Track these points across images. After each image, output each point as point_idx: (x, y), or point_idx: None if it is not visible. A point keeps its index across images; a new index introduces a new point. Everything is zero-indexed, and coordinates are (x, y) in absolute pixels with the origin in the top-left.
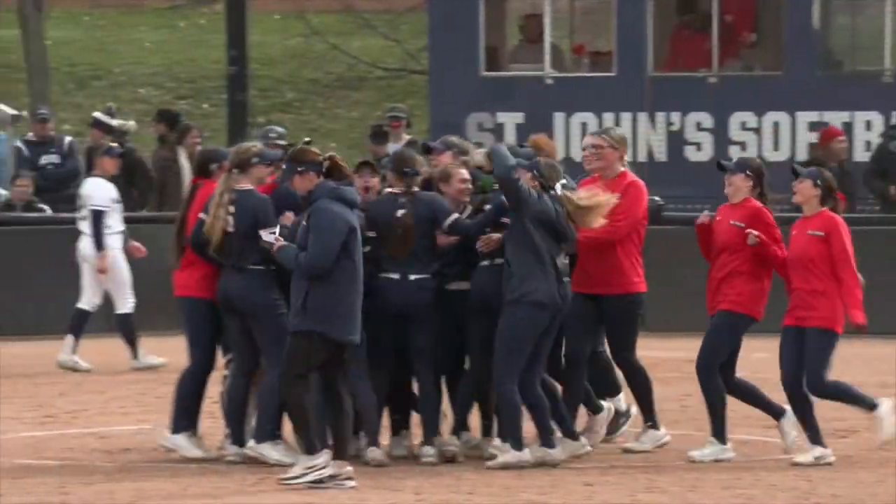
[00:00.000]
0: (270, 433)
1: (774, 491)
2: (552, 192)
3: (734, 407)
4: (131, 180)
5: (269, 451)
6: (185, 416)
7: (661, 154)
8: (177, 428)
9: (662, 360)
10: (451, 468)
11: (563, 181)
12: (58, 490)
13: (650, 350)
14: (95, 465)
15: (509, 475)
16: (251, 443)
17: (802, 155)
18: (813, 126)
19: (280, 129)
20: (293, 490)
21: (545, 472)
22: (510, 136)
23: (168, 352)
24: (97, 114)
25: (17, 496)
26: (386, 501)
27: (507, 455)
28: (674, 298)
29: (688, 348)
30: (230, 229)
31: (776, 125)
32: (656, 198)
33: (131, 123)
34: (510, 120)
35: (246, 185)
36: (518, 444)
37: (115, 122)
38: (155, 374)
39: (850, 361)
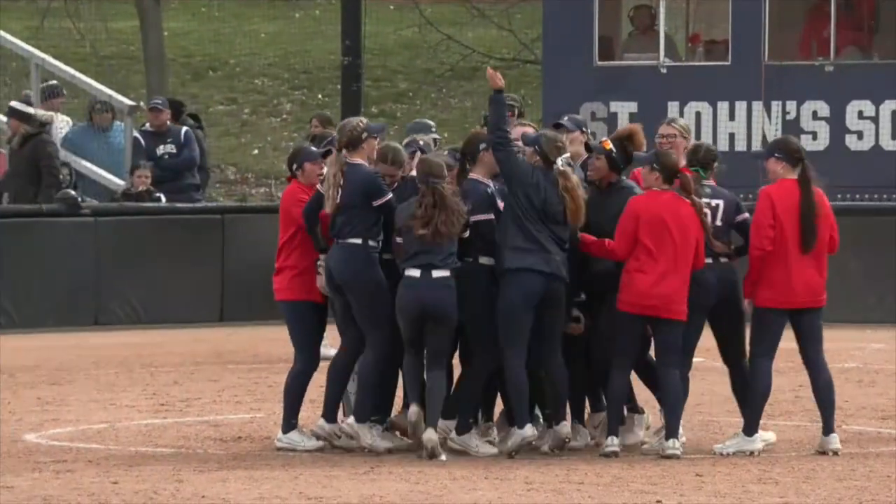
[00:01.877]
0: (370, 411)
1: (889, 482)
2: (555, 168)
3: (848, 398)
4: (37, 172)
5: (365, 434)
6: (294, 415)
7: None
8: (287, 427)
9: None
10: (563, 458)
11: (567, 156)
12: (172, 477)
13: None
14: (209, 452)
15: (620, 465)
16: (350, 419)
17: None
18: None
19: (429, 122)
20: (403, 479)
21: (656, 462)
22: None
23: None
24: (14, 103)
25: (132, 483)
26: (497, 490)
27: (515, 436)
28: None
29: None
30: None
31: (894, 114)
32: None
33: (50, 114)
34: (623, 110)
35: (357, 160)
36: (522, 423)
37: (32, 111)
38: (268, 364)
39: None
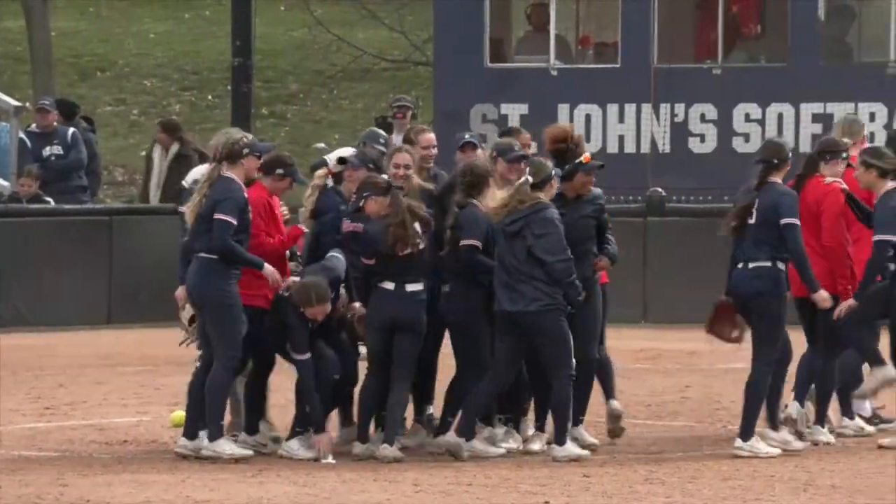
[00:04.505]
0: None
1: (773, 482)
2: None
3: (733, 399)
4: None
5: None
6: (255, 417)
7: (664, 145)
8: (250, 429)
9: (664, 350)
10: (452, 461)
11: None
12: (56, 481)
13: (652, 341)
14: (94, 456)
15: (508, 467)
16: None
17: (806, 146)
18: (816, 118)
19: (384, 133)
20: (291, 482)
21: (544, 463)
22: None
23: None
24: None
25: (15, 487)
26: (386, 492)
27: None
28: (675, 290)
29: (690, 339)
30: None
31: (780, 116)
32: (659, 189)
33: None
34: (514, 111)
35: (230, 174)
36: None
37: None
38: (154, 366)
39: None
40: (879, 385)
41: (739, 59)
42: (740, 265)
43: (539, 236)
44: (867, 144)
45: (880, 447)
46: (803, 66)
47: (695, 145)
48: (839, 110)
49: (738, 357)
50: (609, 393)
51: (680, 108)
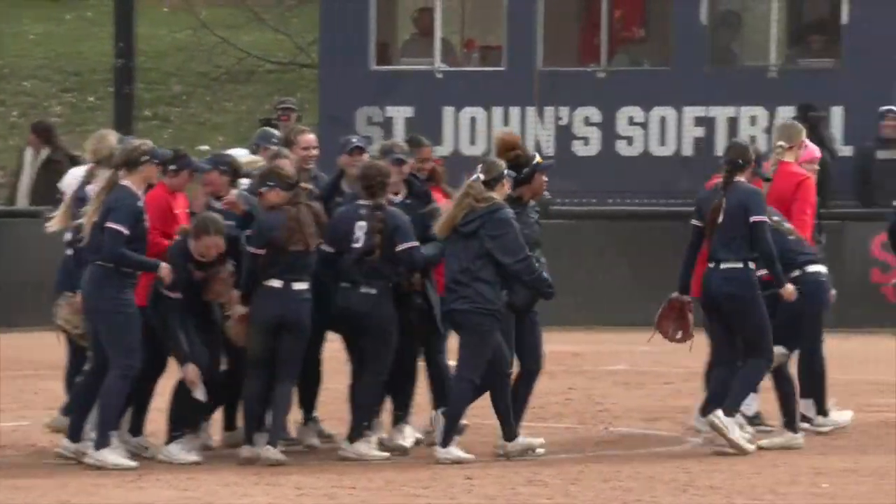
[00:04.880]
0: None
1: (653, 483)
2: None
3: (616, 401)
4: None
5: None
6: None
7: (548, 148)
8: (135, 430)
9: (548, 352)
10: (337, 463)
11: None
12: None
13: None
14: None
15: (392, 469)
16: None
17: (688, 150)
18: (699, 121)
19: (278, 134)
20: (171, 486)
21: (427, 465)
22: (399, 131)
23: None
24: None
25: None
26: (268, 496)
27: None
28: (559, 293)
29: (573, 341)
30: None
31: (663, 120)
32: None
33: None
34: (399, 114)
35: (126, 182)
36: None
37: None
38: (33, 371)
39: None
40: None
41: (623, 63)
42: (711, 265)
43: (495, 237)
44: (807, 147)
45: (760, 448)
46: (686, 70)
47: (579, 148)
48: (721, 114)
49: (619, 359)
50: (441, 401)
51: (564, 112)
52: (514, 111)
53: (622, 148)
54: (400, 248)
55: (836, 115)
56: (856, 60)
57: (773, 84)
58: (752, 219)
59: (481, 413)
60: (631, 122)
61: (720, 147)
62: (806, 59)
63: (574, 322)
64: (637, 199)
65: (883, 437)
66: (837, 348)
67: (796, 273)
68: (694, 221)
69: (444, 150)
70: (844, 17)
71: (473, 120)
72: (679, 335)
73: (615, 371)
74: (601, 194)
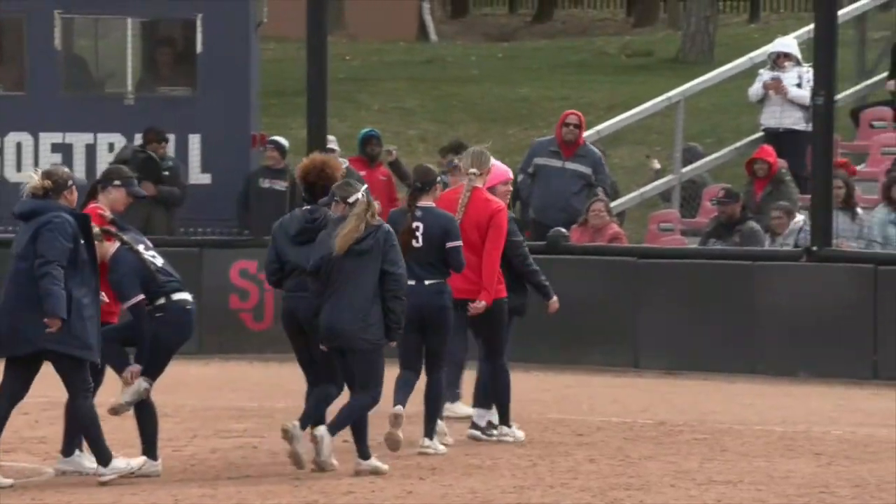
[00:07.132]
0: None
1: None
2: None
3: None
4: None
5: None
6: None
7: None
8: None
9: None
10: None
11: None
12: None
13: None
14: None
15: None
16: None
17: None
18: (56, 147)
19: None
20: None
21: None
22: None
23: None
24: None
25: None
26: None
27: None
28: None
29: None
30: None
31: (19, 146)
32: None
33: None
34: None
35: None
36: None
37: None
38: None
39: None
40: None
41: None
42: (413, 282)
43: (388, 251)
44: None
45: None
46: (42, 95)
47: None
48: (79, 140)
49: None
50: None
51: None
52: None
53: None
54: None
55: (194, 142)
56: (211, 89)
57: (131, 111)
58: (449, 245)
59: None
60: None
61: (79, 172)
62: (163, 86)
63: None
64: None
65: (240, 463)
66: (197, 374)
67: (161, 301)
68: None
69: None
70: (199, 46)
71: None
72: None
73: None
74: None
